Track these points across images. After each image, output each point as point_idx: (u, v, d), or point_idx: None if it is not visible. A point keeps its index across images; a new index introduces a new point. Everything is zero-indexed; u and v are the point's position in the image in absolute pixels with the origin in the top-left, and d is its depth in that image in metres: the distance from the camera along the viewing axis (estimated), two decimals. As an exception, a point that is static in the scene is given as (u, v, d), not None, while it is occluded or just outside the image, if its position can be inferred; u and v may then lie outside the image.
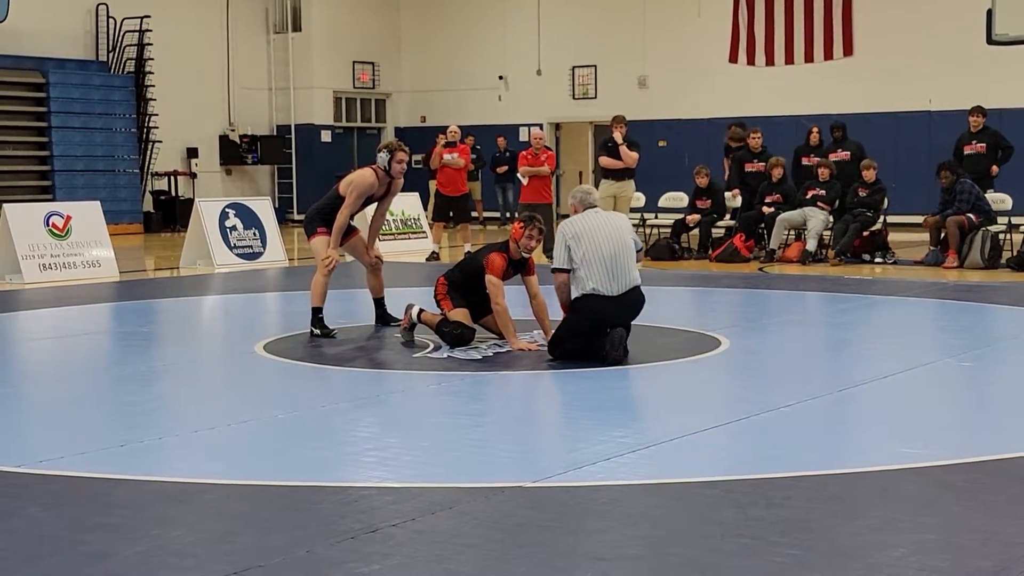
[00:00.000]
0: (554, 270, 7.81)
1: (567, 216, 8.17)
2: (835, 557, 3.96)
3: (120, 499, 4.71)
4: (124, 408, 6.60)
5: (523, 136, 23.36)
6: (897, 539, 4.09)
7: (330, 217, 8.92)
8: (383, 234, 17.53)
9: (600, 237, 7.63)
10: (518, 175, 15.51)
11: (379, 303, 9.35)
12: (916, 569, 3.79)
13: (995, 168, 14.96)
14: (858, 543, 4.09)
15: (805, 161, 15.66)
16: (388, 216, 17.76)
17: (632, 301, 7.74)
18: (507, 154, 22.80)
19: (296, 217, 24.77)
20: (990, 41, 17.71)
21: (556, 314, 8.12)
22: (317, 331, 8.83)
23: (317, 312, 8.89)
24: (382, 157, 8.93)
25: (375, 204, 9.24)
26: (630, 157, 15.09)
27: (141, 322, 10.60)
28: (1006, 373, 7.71)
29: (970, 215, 14.05)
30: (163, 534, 4.21)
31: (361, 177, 8.95)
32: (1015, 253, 14.04)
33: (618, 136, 15.15)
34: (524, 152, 15.31)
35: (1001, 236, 14.30)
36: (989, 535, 4.13)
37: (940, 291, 11.82)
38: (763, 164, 15.98)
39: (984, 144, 14.98)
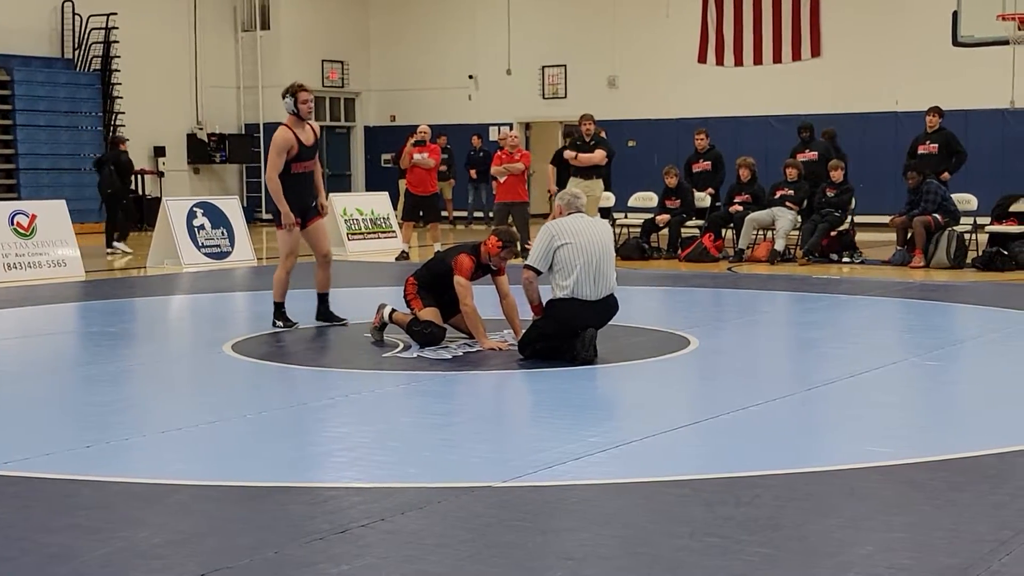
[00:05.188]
0: (527, 266, 7.78)
1: (542, 215, 8.16)
2: (804, 555, 3.97)
3: (86, 500, 4.68)
4: (90, 409, 6.55)
5: (493, 136, 23.38)
6: (865, 537, 4.11)
7: (292, 198, 8.98)
8: (352, 233, 17.50)
9: (585, 241, 7.62)
10: (492, 173, 15.48)
11: (323, 299, 9.33)
12: (884, 567, 3.81)
13: (947, 175, 15.02)
14: (826, 541, 4.11)
15: (921, 149, 15.18)
16: (358, 215, 17.79)
17: (607, 307, 7.76)
18: (481, 154, 22.79)
19: (264, 216, 24.67)
20: (956, 43, 17.85)
21: (526, 314, 8.12)
22: (280, 323, 9.05)
23: (279, 307, 9.12)
24: (287, 102, 9.00)
25: (312, 161, 9.20)
26: (596, 155, 15.16)
27: (108, 322, 10.52)
28: (972, 372, 7.77)
29: (936, 215, 14.16)
30: (130, 535, 4.18)
31: (275, 136, 9.01)
32: (980, 253, 14.17)
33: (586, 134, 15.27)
34: (499, 153, 15.30)
35: (966, 236, 14.42)
36: (956, 533, 4.16)
37: (907, 291, 11.90)
38: (708, 163, 16.35)
39: (936, 145, 15.06)
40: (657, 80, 22.81)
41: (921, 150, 15.14)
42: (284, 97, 9.03)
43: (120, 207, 17.48)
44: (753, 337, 9.28)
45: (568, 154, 15.41)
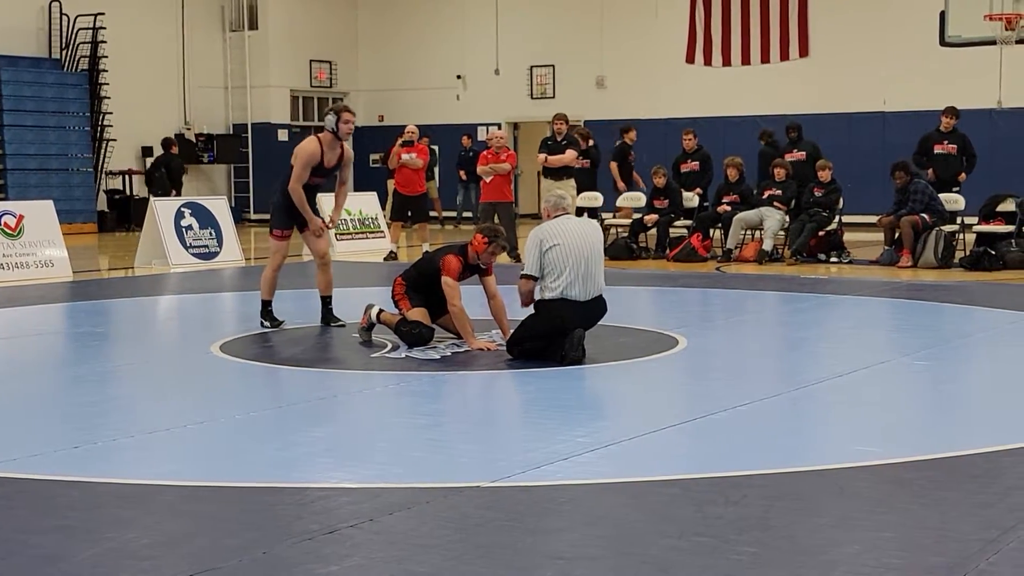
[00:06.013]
0: (524, 276, 7.79)
1: (529, 215, 8.19)
2: (792, 555, 3.98)
3: (74, 501, 4.66)
4: (78, 409, 6.53)
5: (481, 135, 23.40)
6: (853, 536, 4.12)
7: (293, 207, 8.98)
8: (340, 233, 17.49)
9: (573, 242, 7.63)
10: (478, 173, 15.47)
11: (325, 301, 9.32)
12: (872, 566, 3.82)
13: (963, 176, 15.13)
14: (815, 541, 4.12)
15: (938, 149, 15.17)
16: (346, 215, 17.76)
17: (596, 308, 7.77)
18: (471, 153, 22.81)
19: (253, 217, 24.64)
20: (943, 43, 17.92)
21: (515, 314, 8.12)
22: (267, 323, 9.08)
23: (266, 305, 9.16)
24: (329, 119, 9.00)
25: (336, 178, 9.28)
26: (567, 156, 15.22)
27: (95, 322, 10.50)
28: (960, 372, 7.79)
29: (924, 215, 14.20)
30: (118, 536, 4.17)
31: (303, 147, 8.99)
32: (968, 253, 14.21)
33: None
34: (485, 152, 15.30)
35: (954, 236, 14.46)
36: (944, 532, 4.17)
37: (894, 290, 11.93)
38: (697, 163, 16.42)
39: (955, 145, 15.13)
40: (645, 80, 22.84)
41: (938, 149, 15.18)
42: (327, 114, 9.05)
43: None
44: (741, 337, 9.29)
45: (539, 158, 15.47)
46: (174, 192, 18.03)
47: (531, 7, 24.19)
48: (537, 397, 6.90)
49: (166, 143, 18.62)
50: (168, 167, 17.91)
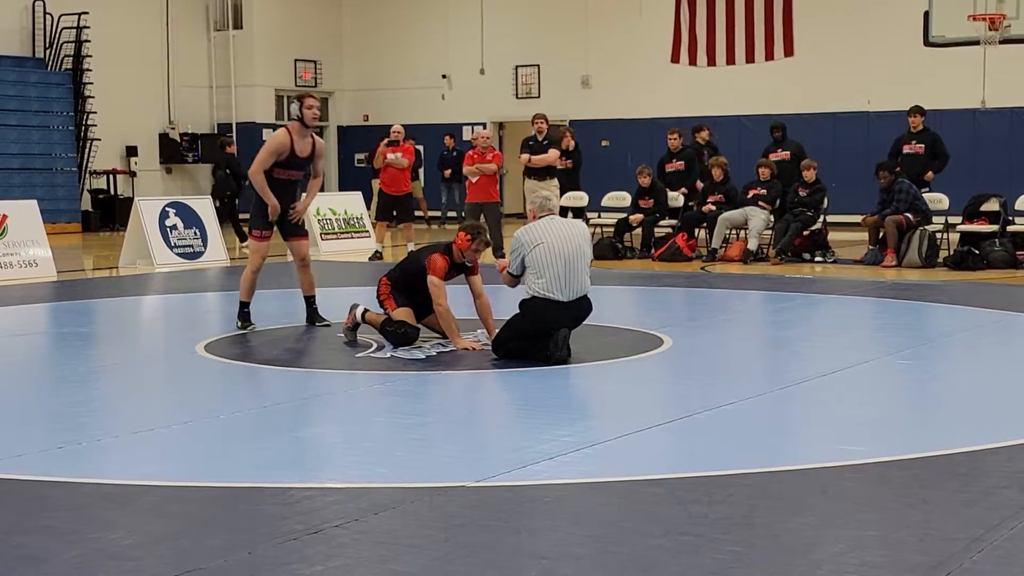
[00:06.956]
0: (508, 274, 7.92)
1: (515, 215, 8.21)
2: (776, 553, 3.99)
3: (58, 501, 4.65)
4: (62, 409, 6.51)
5: (466, 135, 23.40)
6: (837, 535, 4.13)
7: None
8: (325, 233, 17.47)
9: (555, 243, 7.65)
10: (464, 173, 15.45)
11: (310, 301, 9.32)
12: (855, 565, 3.83)
13: (931, 174, 15.18)
14: (798, 539, 4.13)
15: (907, 149, 15.26)
16: (331, 215, 17.75)
17: (580, 308, 7.78)
18: (454, 153, 22.80)
19: (241, 217, 24.55)
20: (927, 43, 17.99)
21: (500, 313, 8.13)
22: (240, 324, 9.11)
23: (244, 306, 9.15)
24: (293, 108, 9.12)
25: (307, 173, 9.32)
26: (550, 155, 15.24)
27: (79, 322, 10.46)
28: (943, 370, 7.82)
29: (908, 215, 14.25)
30: (102, 537, 4.16)
31: (272, 137, 9.10)
32: (951, 252, 14.26)
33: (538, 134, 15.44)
34: (470, 152, 15.28)
35: (938, 235, 14.52)
36: (927, 531, 4.19)
37: (879, 290, 11.97)
38: (682, 163, 16.44)
39: (923, 145, 15.18)
40: (630, 80, 22.86)
41: (907, 149, 15.24)
42: (291, 103, 9.20)
43: (234, 207, 18.18)
44: (726, 336, 9.31)
45: (523, 158, 15.49)
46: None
47: (516, 7, 24.19)
48: (522, 397, 6.90)
49: (221, 143, 18.63)
50: (229, 167, 17.99)
